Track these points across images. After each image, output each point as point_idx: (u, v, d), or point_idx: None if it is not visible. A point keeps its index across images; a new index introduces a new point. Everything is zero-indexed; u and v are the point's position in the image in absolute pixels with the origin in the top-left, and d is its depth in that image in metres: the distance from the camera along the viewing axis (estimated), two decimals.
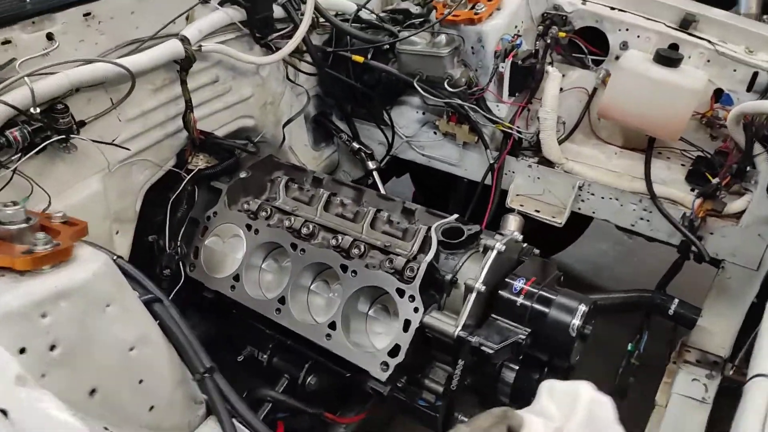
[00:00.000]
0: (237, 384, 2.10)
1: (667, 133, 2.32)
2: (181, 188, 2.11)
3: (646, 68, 2.24)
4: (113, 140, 1.86)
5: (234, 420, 1.39)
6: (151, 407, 1.35)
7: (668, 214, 2.30)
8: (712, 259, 2.38)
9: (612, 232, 2.64)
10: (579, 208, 2.57)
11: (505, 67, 2.37)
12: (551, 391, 0.78)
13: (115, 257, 1.40)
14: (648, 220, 2.44)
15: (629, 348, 2.44)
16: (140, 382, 1.30)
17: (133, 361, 1.26)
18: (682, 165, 2.44)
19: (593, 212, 2.55)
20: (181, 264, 2.10)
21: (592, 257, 4.11)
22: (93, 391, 1.19)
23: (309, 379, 2.01)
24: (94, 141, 1.72)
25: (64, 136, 1.61)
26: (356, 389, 1.90)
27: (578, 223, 3.22)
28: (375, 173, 2.82)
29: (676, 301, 2.37)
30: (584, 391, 0.75)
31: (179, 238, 2.15)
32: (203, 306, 2.17)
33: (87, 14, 1.69)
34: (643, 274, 3.56)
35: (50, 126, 1.58)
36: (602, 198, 2.49)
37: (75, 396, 1.14)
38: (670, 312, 2.35)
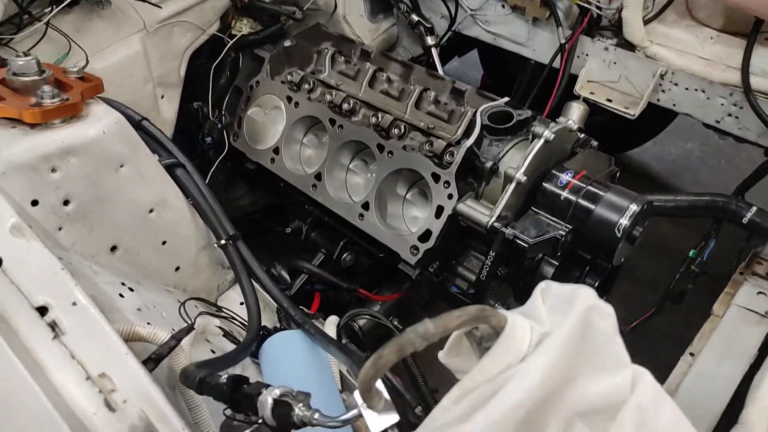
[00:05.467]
0: (285, 254, 2.19)
1: None
2: (223, 54, 2.05)
3: None
4: None
5: (256, 286, 1.41)
6: (177, 268, 1.40)
7: (762, 110, 1.99)
8: None
9: (700, 130, 2.34)
10: (658, 100, 2.28)
11: None
12: (546, 292, 0.69)
13: (140, 119, 1.38)
14: (737, 117, 2.13)
15: (690, 254, 2.26)
16: (163, 243, 1.33)
17: (154, 223, 1.29)
18: None
19: (674, 105, 2.26)
20: (224, 133, 2.09)
21: (673, 156, 3.78)
22: (114, 248, 1.23)
23: (345, 255, 2.03)
24: None
25: None
26: (393, 269, 1.90)
27: (658, 117, 2.91)
28: (433, 50, 2.61)
29: (754, 208, 2.11)
30: (583, 296, 0.66)
31: (223, 107, 2.12)
32: (252, 176, 2.18)
33: None
34: (728, 179, 3.24)
35: None
36: (686, 89, 2.19)
37: (95, 250, 1.19)
38: (745, 220, 2.10)
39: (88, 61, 1.66)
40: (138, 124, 1.36)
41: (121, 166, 1.18)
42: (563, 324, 0.66)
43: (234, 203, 2.39)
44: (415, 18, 2.60)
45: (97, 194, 1.15)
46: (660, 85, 2.23)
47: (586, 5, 2.20)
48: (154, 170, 1.28)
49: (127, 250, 1.23)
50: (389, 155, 1.77)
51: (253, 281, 1.40)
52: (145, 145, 1.27)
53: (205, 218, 1.39)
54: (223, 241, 1.38)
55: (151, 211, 1.27)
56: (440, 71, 2.60)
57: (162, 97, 1.99)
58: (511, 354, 0.65)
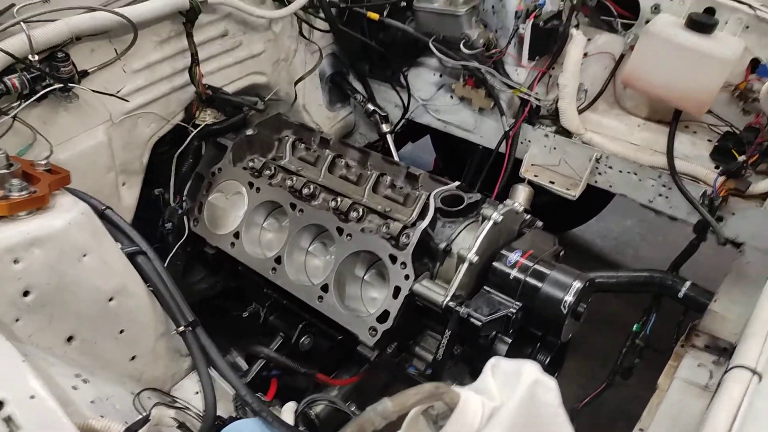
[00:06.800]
0: (242, 339, 2.17)
1: (693, 105, 2.18)
2: (186, 142, 2.12)
3: (676, 34, 2.09)
4: (118, 92, 1.87)
5: (214, 374, 1.41)
6: (133, 357, 1.39)
7: (687, 191, 2.19)
8: (733, 241, 2.27)
9: (637, 209, 2.55)
10: (595, 181, 2.47)
11: (526, 29, 2.25)
12: (495, 368, 0.75)
13: (103, 208, 1.41)
14: (667, 197, 2.33)
15: (634, 328, 2.37)
16: (121, 332, 1.33)
17: (113, 311, 1.29)
18: (709, 140, 2.31)
19: (610, 186, 2.45)
20: (185, 218, 2.13)
21: (615, 233, 3.99)
22: (70, 338, 1.22)
23: (303, 339, 2.03)
24: (94, 91, 1.73)
25: (63, 85, 1.61)
26: (352, 352, 1.91)
27: (598, 197, 3.11)
28: (388, 137, 2.77)
29: (688, 283, 2.27)
30: (528, 371, 0.72)
31: (184, 193, 2.17)
32: (211, 261, 2.20)
33: None
34: (667, 253, 3.44)
35: (50, 74, 1.59)
36: (620, 172, 2.39)
37: (51, 341, 1.18)
38: (681, 294, 2.26)
39: (52, 152, 1.70)
40: (102, 213, 1.39)
41: (85, 256, 1.20)
42: (512, 398, 0.71)
43: (192, 288, 2.38)
44: (371, 107, 2.78)
45: (59, 284, 1.16)
46: (596, 168, 2.43)
47: (526, 97, 2.42)
48: (116, 258, 1.30)
49: (84, 340, 1.23)
50: (348, 238, 1.83)
51: (210, 369, 1.40)
52: (109, 234, 1.30)
53: (165, 305, 1.40)
54: (182, 328, 1.39)
55: (111, 299, 1.27)
56: (395, 156, 2.75)
57: (123, 184, 2.03)
58: (465, 430, 0.69)
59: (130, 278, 1.33)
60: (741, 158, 2.12)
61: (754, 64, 2.17)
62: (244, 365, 2.05)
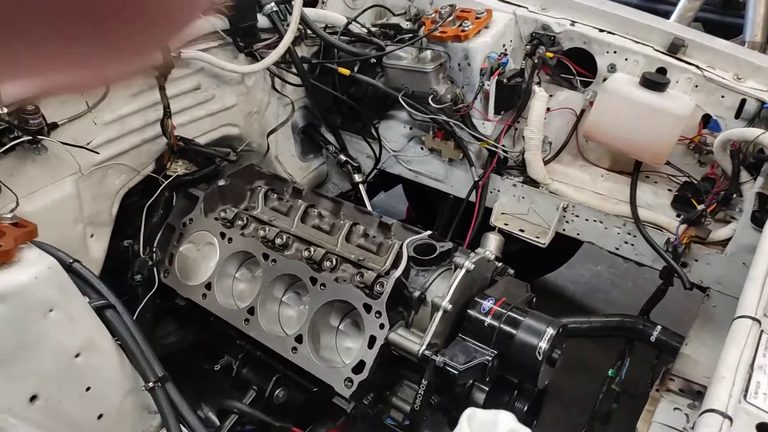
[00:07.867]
0: (213, 393, 2.10)
1: (652, 157, 2.28)
2: (157, 194, 2.10)
3: (631, 91, 2.21)
4: (88, 143, 1.86)
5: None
6: (100, 415, 1.33)
7: (651, 239, 2.26)
8: (698, 286, 2.33)
9: (607, 255, 2.61)
10: (563, 230, 2.52)
11: (491, 85, 2.34)
12: (471, 419, 0.74)
13: (71, 261, 1.38)
14: (632, 245, 2.39)
15: (610, 373, 2.38)
16: (87, 389, 1.28)
17: (80, 368, 1.24)
18: (669, 190, 2.40)
19: (577, 234, 2.51)
20: (155, 270, 2.09)
21: (586, 278, 4.06)
22: (34, 398, 1.16)
23: (277, 391, 1.98)
24: (63, 143, 1.72)
25: (32, 138, 1.60)
26: (328, 404, 1.87)
27: (567, 245, 3.18)
28: (361, 186, 2.80)
29: (659, 327, 2.32)
30: (503, 421, 0.72)
31: (154, 244, 2.13)
32: (181, 313, 2.15)
33: None
34: (636, 298, 3.50)
35: (18, 126, 1.58)
36: (586, 220, 2.45)
37: (13, 401, 1.12)
38: (652, 339, 2.30)
39: (17, 204, 1.66)
40: (69, 267, 1.36)
41: (51, 311, 1.16)
42: None
43: (161, 341, 2.31)
44: (343, 158, 2.82)
45: (22, 341, 1.11)
46: (564, 216, 2.49)
47: (493, 149, 2.49)
48: (83, 313, 1.26)
49: (48, 400, 1.17)
50: (322, 287, 1.82)
51: (181, 426, 1.35)
52: (77, 288, 1.26)
53: (134, 360, 1.35)
54: (151, 384, 1.34)
55: (77, 355, 1.23)
56: (368, 205, 2.78)
57: (91, 236, 1.99)
58: None
59: (97, 333, 1.29)
60: (700, 207, 2.21)
61: (706, 120, 2.30)
62: (216, 421, 1.98)
